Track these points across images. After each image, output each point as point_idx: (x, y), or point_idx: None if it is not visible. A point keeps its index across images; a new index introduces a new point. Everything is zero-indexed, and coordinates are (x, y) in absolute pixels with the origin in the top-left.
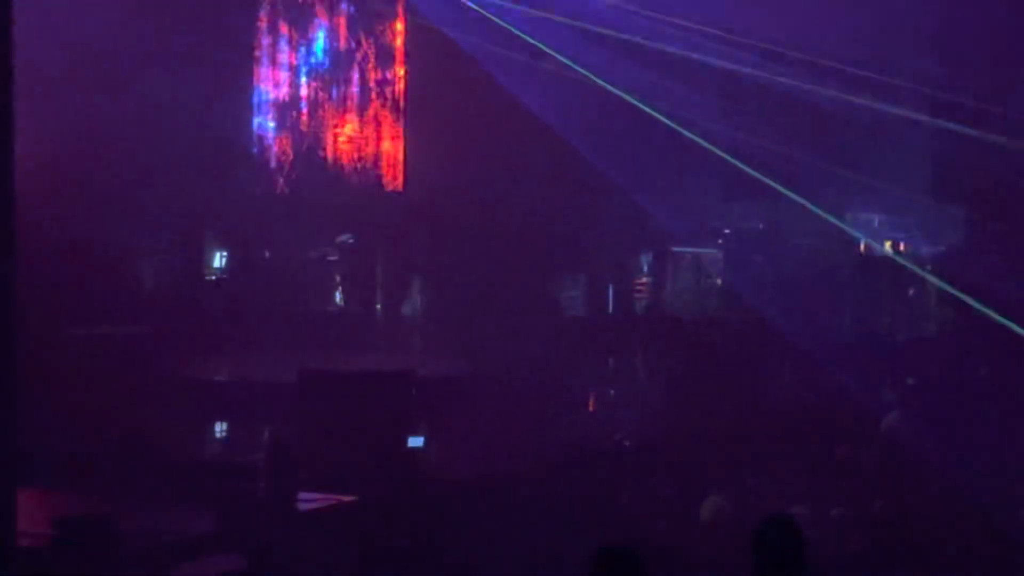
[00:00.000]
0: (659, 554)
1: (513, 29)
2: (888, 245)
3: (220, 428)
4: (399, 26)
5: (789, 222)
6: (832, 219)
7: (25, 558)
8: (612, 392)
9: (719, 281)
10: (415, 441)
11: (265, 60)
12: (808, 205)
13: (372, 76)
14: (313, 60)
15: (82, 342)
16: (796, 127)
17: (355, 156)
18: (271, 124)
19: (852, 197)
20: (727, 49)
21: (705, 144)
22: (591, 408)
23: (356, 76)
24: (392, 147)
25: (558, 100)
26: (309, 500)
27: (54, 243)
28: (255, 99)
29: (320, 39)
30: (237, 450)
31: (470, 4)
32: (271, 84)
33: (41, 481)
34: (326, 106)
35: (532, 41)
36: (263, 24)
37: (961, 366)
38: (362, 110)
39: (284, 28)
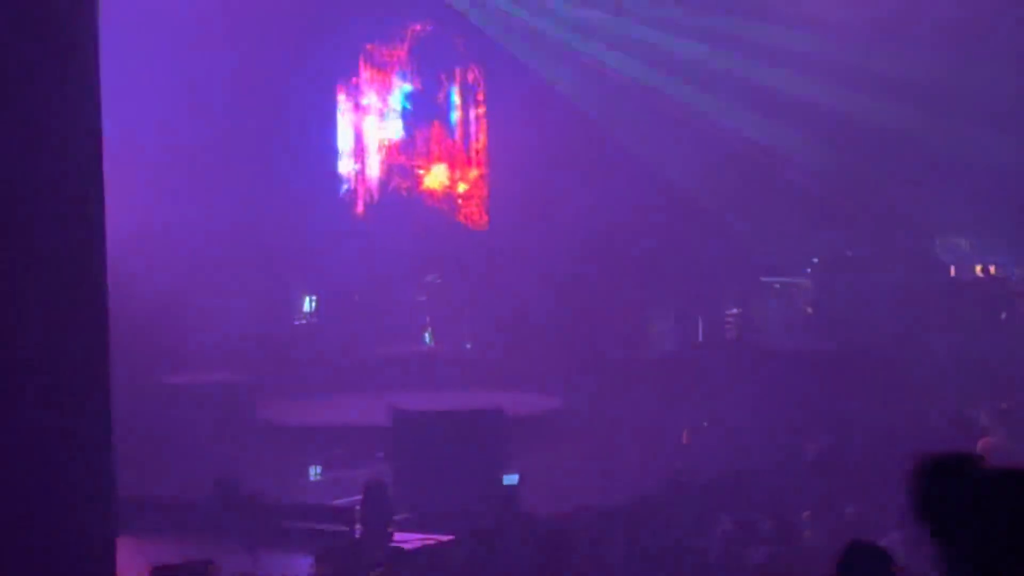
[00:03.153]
0: None
1: (587, 54)
2: (978, 269)
3: (315, 472)
4: (479, 66)
5: (877, 248)
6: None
7: None
8: (705, 424)
9: (809, 310)
10: (510, 479)
11: (349, 103)
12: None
13: (454, 116)
14: (396, 102)
15: (176, 390)
16: (882, 153)
17: (439, 196)
18: (355, 166)
19: (940, 221)
20: (813, 79)
21: (790, 173)
22: (685, 440)
23: (438, 117)
24: (475, 186)
25: (643, 131)
26: (406, 541)
27: (146, 293)
28: (339, 142)
29: (402, 81)
30: (333, 493)
31: (554, 40)
32: (355, 127)
33: (139, 529)
34: (410, 148)
35: (612, 69)
36: (346, 68)
37: None
38: (445, 151)
39: (366, 71)
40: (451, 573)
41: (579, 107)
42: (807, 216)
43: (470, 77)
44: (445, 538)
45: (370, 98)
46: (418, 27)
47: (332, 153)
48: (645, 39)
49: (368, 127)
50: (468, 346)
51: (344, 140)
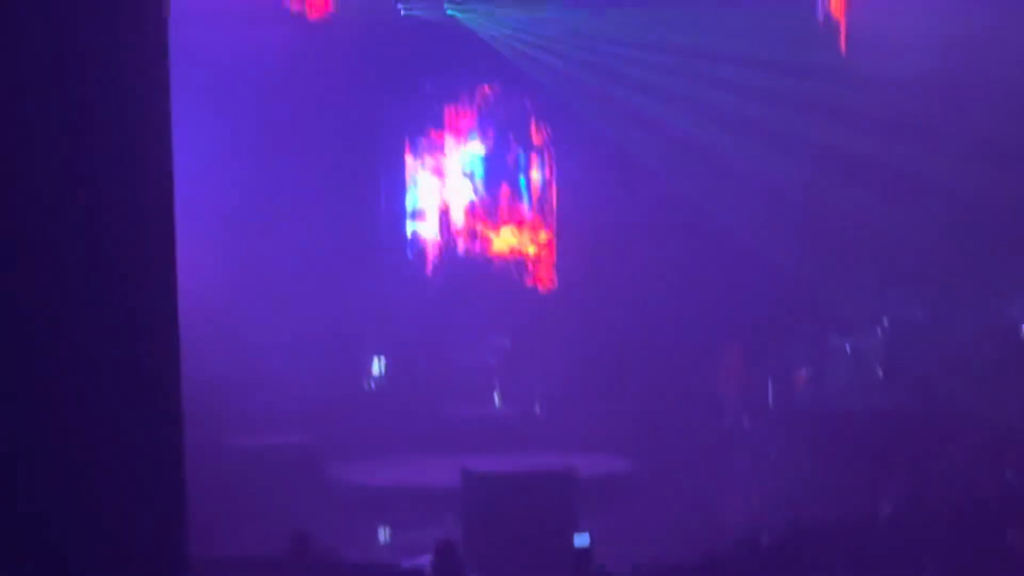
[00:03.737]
0: None
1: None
2: None
3: (385, 533)
4: (548, 127)
5: (950, 309)
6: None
7: None
8: (776, 485)
9: (880, 371)
10: (581, 539)
11: (418, 165)
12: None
13: (524, 178)
14: (466, 164)
15: (247, 452)
16: (955, 211)
17: (508, 259)
18: (424, 229)
19: (1015, 281)
20: (887, 136)
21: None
22: (757, 501)
23: (508, 179)
24: (545, 249)
25: (712, 191)
26: None
27: (217, 355)
28: (408, 204)
29: (471, 143)
30: (403, 553)
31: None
32: (424, 189)
33: None
34: (479, 210)
35: (681, 129)
36: (415, 129)
37: None
38: (515, 213)
39: (435, 133)
40: None
41: (648, 168)
42: (878, 275)
43: (539, 139)
44: None
45: (439, 160)
46: (487, 89)
47: (401, 215)
48: (713, 99)
49: (437, 189)
50: (537, 410)
51: (413, 202)
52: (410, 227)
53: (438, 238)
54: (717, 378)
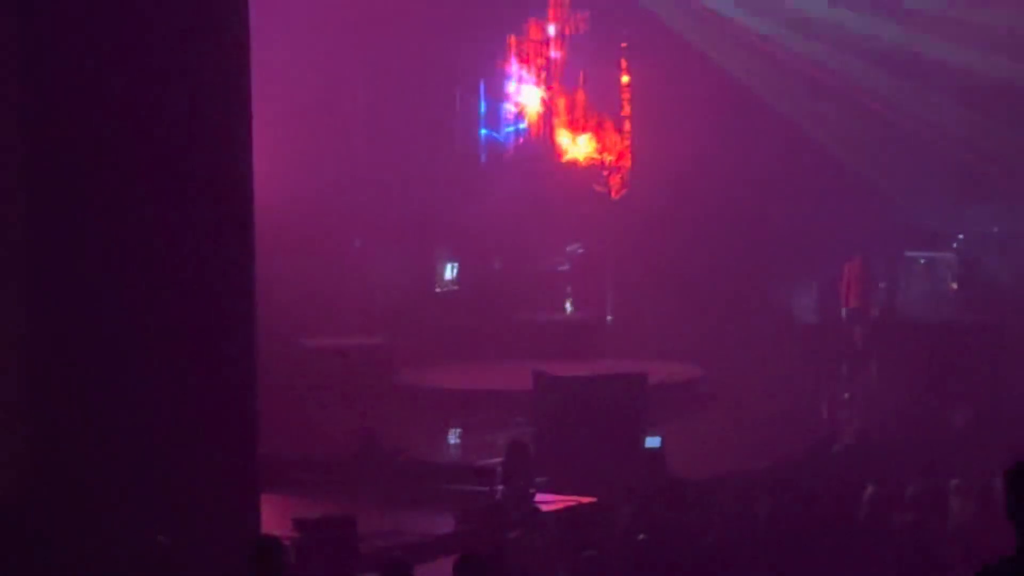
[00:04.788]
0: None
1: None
2: None
3: (456, 434)
4: (626, 34)
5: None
6: None
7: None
8: (847, 395)
9: (954, 285)
10: (652, 441)
11: (494, 71)
12: None
13: (600, 86)
14: (542, 71)
15: (320, 353)
16: None
17: (583, 166)
18: (500, 136)
19: None
20: (971, 48)
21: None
22: (825, 410)
23: (584, 86)
24: (620, 156)
25: (790, 99)
26: (547, 501)
27: (291, 257)
28: (483, 109)
29: (549, 51)
30: (475, 455)
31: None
32: (501, 97)
33: (283, 485)
34: (553, 116)
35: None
36: (494, 37)
37: None
38: (591, 120)
39: (514, 39)
40: (596, 532)
41: (725, 74)
42: (954, 191)
43: (619, 46)
44: (586, 499)
45: (517, 66)
46: None
47: (477, 122)
48: (792, 5)
49: (514, 97)
50: (609, 318)
51: (490, 108)
52: (484, 131)
53: (514, 143)
54: (792, 288)
